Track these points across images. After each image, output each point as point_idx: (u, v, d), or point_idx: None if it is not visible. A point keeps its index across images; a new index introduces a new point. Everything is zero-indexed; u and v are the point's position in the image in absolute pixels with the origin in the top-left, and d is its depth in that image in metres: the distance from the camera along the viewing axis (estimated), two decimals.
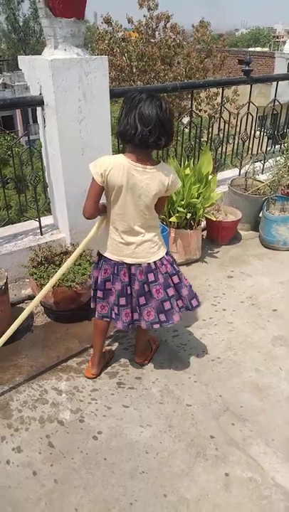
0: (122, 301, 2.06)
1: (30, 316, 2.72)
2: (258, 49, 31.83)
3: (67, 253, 2.76)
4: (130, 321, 2.12)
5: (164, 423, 2.05)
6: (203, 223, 3.55)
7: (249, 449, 1.93)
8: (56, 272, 2.55)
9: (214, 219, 3.39)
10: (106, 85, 2.64)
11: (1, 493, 1.74)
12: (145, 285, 2.03)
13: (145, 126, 1.72)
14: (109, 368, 2.36)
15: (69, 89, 2.48)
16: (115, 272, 2.03)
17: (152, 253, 2.01)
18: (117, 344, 2.54)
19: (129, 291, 2.06)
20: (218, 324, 2.70)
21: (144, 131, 1.72)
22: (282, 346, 2.53)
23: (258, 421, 2.07)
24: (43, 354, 2.44)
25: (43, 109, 2.64)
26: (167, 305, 2.06)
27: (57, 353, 2.45)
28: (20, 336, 2.56)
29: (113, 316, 2.13)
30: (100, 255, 2.09)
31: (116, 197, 1.88)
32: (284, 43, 36.64)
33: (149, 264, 2.01)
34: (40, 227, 3.04)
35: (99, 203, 1.95)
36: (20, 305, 2.82)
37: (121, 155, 1.85)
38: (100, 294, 2.11)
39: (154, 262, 2.02)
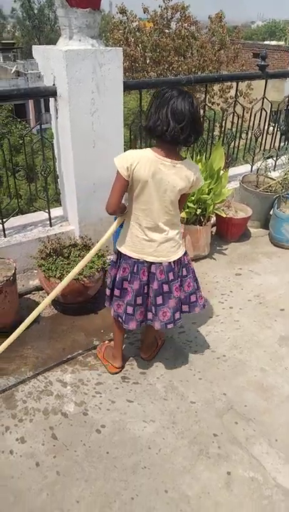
0: (139, 300, 2.03)
1: None
2: (274, 43, 31.32)
3: (76, 246, 2.76)
4: (143, 320, 2.10)
5: (168, 419, 2.06)
6: (213, 219, 3.53)
7: (252, 448, 1.93)
8: (64, 264, 2.57)
9: (224, 215, 3.37)
10: (120, 77, 2.61)
11: (3, 483, 1.76)
12: (164, 285, 2.01)
13: (178, 123, 1.70)
14: None
15: (83, 80, 2.46)
16: (134, 270, 2.00)
17: (173, 252, 2.00)
18: None
19: (145, 291, 2.04)
20: (224, 322, 2.69)
21: (176, 128, 1.71)
22: None
23: (262, 421, 2.07)
24: (49, 346, 2.45)
25: (55, 100, 2.63)
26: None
27: (63, 345, 2.46)
28: (27, 327, 2.56)
29: (124, 317, 2.09)
30: (118, 253, 2.06)
31: (141, 192, 1.85)
32: None
33: (169, 263, 2.00)
34: (50, 219, 3.04)
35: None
36: (28, 296, 2.83)
37: (148, 149, 1.82)
38: (117, 292, 2.08)
39: (174, 261, 2.02)
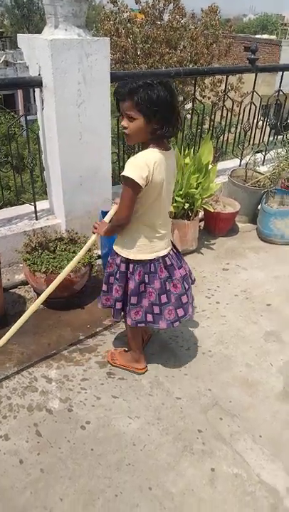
0: (164, 298, 1.98)
1: (23, 302, 2.70)
2: (265, 36, 31.25)
3: (62, 239, 2.72)
4: (175, 319, 2.03)
5: (153, 415, 2.05)
6: (201, 214, 3.51)
7: (236, 444, 1.93)
8: (50, 259, 2.53)
9: (212, 210, 3.35)
10: (107, 68, 2.57)
11: None
12: (180, 269, 2.01)
13: (174, 115, 1.65)
14: (99, 357, 2.34)
15: (68, 70, 2.41)
16: (152, 270, 1.93)
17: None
18: (107, 333, 2.52)
19: (168, 287, 1.98)
20: (210, 317, 2.68)
21: (173, 120, 1.66)
22: (275, 342, 2.52)
23: (246, 417, 2.07)
24: (34, 341, 2.42)
25: (41, 90, 2.58)
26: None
27: (48, 340, 2.43)
28: (12, 321, 2.52)
29: (150, 319, 2.02)
30: (128, 261, 1.94)
31: (158, 193, 1.77)
32: None
33: (171, 248, 2.02)
34: (36, 212, 2.99)
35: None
36: (14, 290, 2.79)
37: (152, 149, 1.71)
38: (134, 300, 1.98)
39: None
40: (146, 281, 1.96)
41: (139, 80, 1.61)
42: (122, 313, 2.11)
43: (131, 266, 1.94)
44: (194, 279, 2.23)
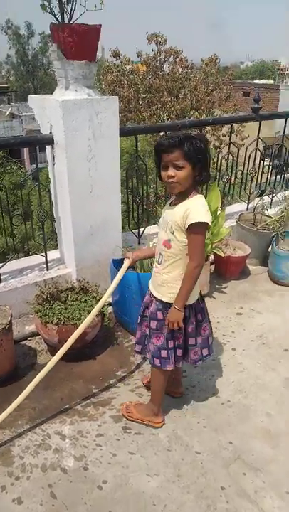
0: (192, 341, 2.05)
1: (34, 354, 2.67)
2: (263, 81, 32.53)
3: (73, 289, 2.73)
4: (200, 358, 2.11)
5: (172, 472, 1.96)
6: (211, 257, 3.52)
7: (262, 502, 1.83)
8: (62, 309, 2.53)
9: (223, 255, 3.36)
10: (116, 124, 2.68)
11: None
12: (199, 315, 2.07)
13: (208, 167, 1.85)
14: (114, 410, 2.28)
15: (79, 128, 2.51)
16: (189, 314, 1.99)
17: None
18: (121, 385, 2.46)
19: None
20: (227, 365, 2.62)
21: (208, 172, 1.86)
22: None
23: (270, 470, 1.97)
24: (46, 395, 2.37)
25: (52, 147, 2.67)
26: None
27: (61, 394, 2.38)
28: (23, 374, 2.49)
29: (179, 353, 2.05)
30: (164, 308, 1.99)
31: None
32: None
33: None
34: (47, 262, 3.02)
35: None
36: (24, 342, 2.76)
37: (200, 195, 1.88)
38: (170, 344, 2.02)
39: None
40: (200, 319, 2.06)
41: (180, 134, 1.80)
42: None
43: (186, 310, 1.96)
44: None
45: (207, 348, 2.12)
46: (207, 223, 1.80)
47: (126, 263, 2.26)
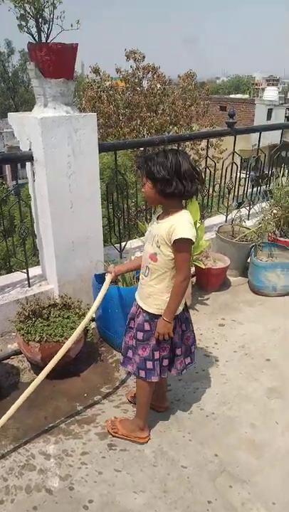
0: (178, 351, 2.09)
1: (17, 373, 2.63)
2: (239, 96, 33.35)
3: (55, 306, 2.71)
4: (184, 367, 2.15)
5: (159, 488, 1.95)
6: (192, 269, 3.55)
7: None
8: (44, 326, 2.51)
9: (203, 267, 3.40)
10: (95, 140, 2.71)
11: None
12: (183, 324, 2.11)
13: (190, 181, 1.83)
14: (99, 428, 2.26)
15: (58, 145, 2.53)
16: (175, 324, 2.02)
17: None
18: (106, 401, 2.44)
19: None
20: (211, 376, 2.64)
21: (189, 185, 1.83)
22: (278, 399, 2.47)
23: (256, 482, 1.98)
24: (30, 414, 2.33)
25: (32, 164, 2.68)
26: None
27: (45, 412, 2.35)
28: (6, 394, 2.45)
29: (158, 371, 2.05)
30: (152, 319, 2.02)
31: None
32: (263, 90, 38.62)
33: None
34: (28, 279, 3.00)
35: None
36: (7, 361, 2.72)
37: (184, 211, 1.91)
38: (157, 355, 2.04)
39: None
40: (185, 329, 2.10)
41: (150, 154, 1.95)
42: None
43: (155, 322, 2.00)
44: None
45: (189, 357, 2.17)
46: (192, 240, 1.85)
47: (108, 278, 2.27)
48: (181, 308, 2.05)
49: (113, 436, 2.19)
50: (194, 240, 1.87)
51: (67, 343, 2.20)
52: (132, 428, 2.18)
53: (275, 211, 3.88)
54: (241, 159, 4.23)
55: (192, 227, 1.87)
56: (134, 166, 11.06)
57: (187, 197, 1.88)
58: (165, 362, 2.06)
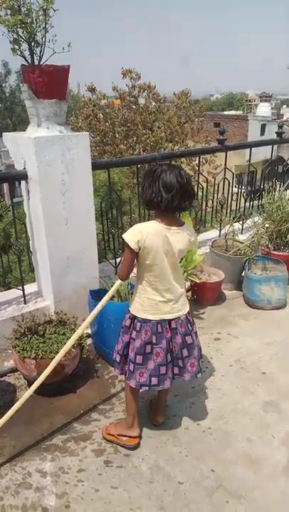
0: (169, 357, 2.11)
1: (13, 391, 2.63)
2: (233, 112, 33.87)
3: (51, 322, 2.72)
4: (173, 376, 2.17)
5: (156, 504, 1.94)
6: (187, 284, 3.58)
7: None
8: (40, 343, 2.52)
9: (198, 281, 3.42)
10: (88, 159, 2.76)
11: None
12: (187, 336, 2.13)
13: (169, 193, 1.90)
14: (95, 444, 2.25)
15: (52, 164, 2.58)
16: (159, 330, 2.06)
17: (185, 304, 2.16)
18: (102, 417, 2.43)
19: (171, 346, 2.11)
20: (207, 391, 2.63)
21: (168, 197, 1.90)
22: (274, 412, 2.47)
23: (254, 497, 1.97)
24: (26, 432, 2.32)
25: (27, 182, 2.72)
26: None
27: (41, 430, 2.34)
28: (2, 412, 2.44)
29: (154, 382, 2.09)
30: (133, 318, 2.11)
31: (154, 260, 1.98)
32: (256, 106, 39.28)
33: (186, 315, 2.14)
34: (24, 296, 3.02)
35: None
36: (3, 378, 2.72)
37: (153, 221, 1.98)
38: (139, 359, 2.08)
39: (187, 312, 2.17)
40: (154, 341, 2.07)
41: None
42: (122, 371, 2.21)
43: (138, 324, 2.08)
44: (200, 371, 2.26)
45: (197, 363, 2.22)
46: (128, 243, 1.94)
47: (118, 283, 2.21)
48: (168, 316, 2.09)
49: (105, 439, 2.25)
50: (132, 246, 1.93)
51: (56, 358, 2.20)
52: (121, 426, 2.25)
53: (267, 225, 3.93)
54: (233, 175, 4.30)
55: (137, 234, 1.93)
56: (131, 182, 11.18)
57: (170, 209, 1.94)
58: (162, 369, 2.09)
